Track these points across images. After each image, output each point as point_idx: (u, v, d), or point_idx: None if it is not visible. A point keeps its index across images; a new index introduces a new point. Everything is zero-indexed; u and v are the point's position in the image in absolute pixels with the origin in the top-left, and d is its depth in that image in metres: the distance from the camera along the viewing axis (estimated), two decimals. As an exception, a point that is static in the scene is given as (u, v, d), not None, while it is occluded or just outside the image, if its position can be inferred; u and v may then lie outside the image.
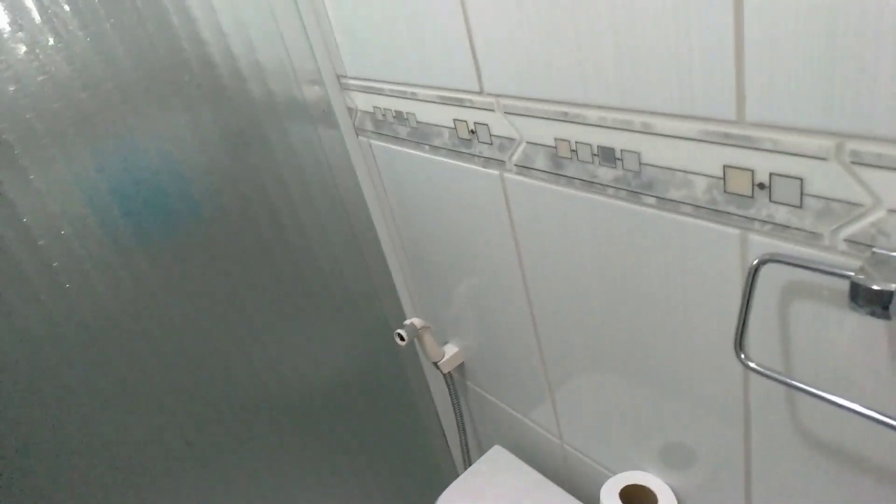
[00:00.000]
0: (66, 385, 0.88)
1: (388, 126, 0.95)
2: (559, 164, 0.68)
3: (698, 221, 0.57)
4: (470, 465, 1.19)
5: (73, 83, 0.81)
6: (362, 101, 0.98)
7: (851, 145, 0.43)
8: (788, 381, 0.52)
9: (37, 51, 0.78)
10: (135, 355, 0.93)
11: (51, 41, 0.78)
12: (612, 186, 0.63)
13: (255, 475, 1.11)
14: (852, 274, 0.44)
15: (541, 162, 0.70)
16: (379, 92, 0.92)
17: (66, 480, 0.91)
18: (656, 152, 0.57)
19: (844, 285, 0.48)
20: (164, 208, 0.91)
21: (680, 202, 0.58)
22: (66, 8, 0.79)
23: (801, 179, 0.47)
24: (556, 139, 0.67)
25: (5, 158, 0.78)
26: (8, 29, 0.76)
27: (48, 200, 0.82)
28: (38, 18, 0.77)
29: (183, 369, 0.98)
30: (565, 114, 0.64)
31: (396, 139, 0.95)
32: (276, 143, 0.99)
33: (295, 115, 1.00)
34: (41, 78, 0.78)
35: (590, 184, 0.66)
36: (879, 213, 0.44)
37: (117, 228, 0.88)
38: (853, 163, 0.44)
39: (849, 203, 0.45)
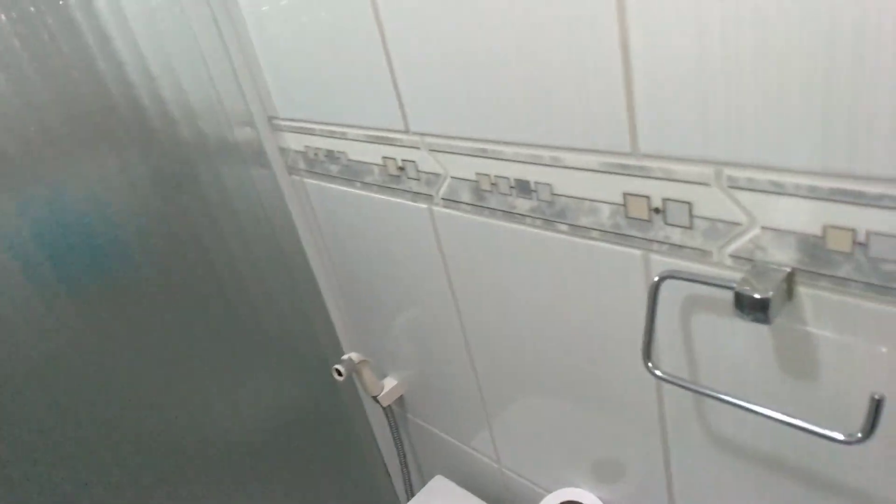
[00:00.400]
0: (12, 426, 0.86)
1: (319, 164, 0.98)
2: (481, 196, 0.73)
3: (605, 245, 0.63)
4: (413, 496, 1.21)
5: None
6: (294, 142, 1.01)
7: (728, 171, 0.49)
8: (693, 386, 0.57)
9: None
10: (63, 401, 0.91)
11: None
12: (530, 216, 0.68)
13: (194, 520, 1.09)
14: (735, 286, 0.49)
15: (465, 195, 0.75)
16: (310, 132, 0.95)
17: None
18: (566, 183, 0.62)
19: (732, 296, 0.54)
20: (93, 252, 0.91)
21: (589, 228, 0.63)
22: (-9, 54, 0.79)
23: (690, 203, 0.53)
24: (477, 174, 0.71)
25: None
26: None
27: None
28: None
29: (115, 414, 0.97)
30: (484, 150, 0.69)
31: (329, 177, 0.98)
32: (209, 185, 1.01)
33: (227, 157, 1.02)
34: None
35: (510, 214, 0.71)
36: (755, 231, 0.50)
37: (43, 273, 0.87)
38: (730, 187, 0.50)
39: (730, 222, 0.51)
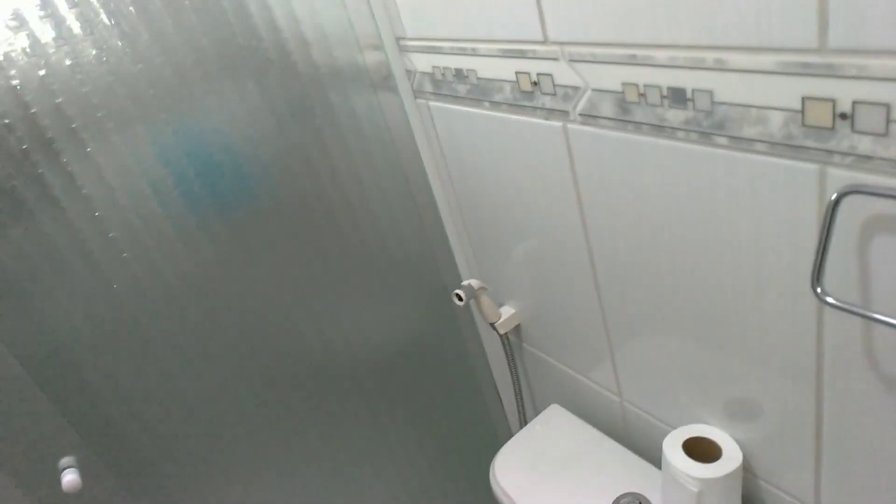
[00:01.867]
0: (148, 339, 0.93)
1: (446, 85, 0.96)
2: (626, 109, 0.68)
3: (773, 159, 0.57)
4: (526, 423, 1.21)
5: (138, 63, 0.84)
6: (421, 62, 0.99)
7: (943, 65, 0.42)
8: (869, 313, 0.51)
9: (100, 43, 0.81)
10: (207, 317, 0.97)
11: (109, 23, 0.81)
12: (683, 129, 0.63)
13: (318, 434, 1.15)
14: (941, 199, 0.43)
15: (606, 109, 0.70)
16: (438, 51, 0.93)
17: (146, 424, 0.97)
18: (730, 89, 0.56)
19: (931, 214, 0.47)
20: (232, 178, 0.94)
21: (754, 140, 0.57)
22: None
23: (888, 105, 0.46)
24: (623, 84, 0.66)
25: (82, 147, 0.82)
26: (81, 32, 0.79)
27: (130, 183, 0.86)
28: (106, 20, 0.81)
29: (249, 331, 1.02)
30: (633, 56, 0.63)
31: (455, 98, 0.96)
32: (338, 109, 1.01)
33: (356, 81, 1.02)
34: (102, 63, 0.82)
35: (659, 128, 0.66)
36: (972, 136, 0.43)
37: (181, 200, 0.91)
38: (944, 83, 0.43)
39: (938, 127, 0.45)
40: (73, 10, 0.78)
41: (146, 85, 0.85)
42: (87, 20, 0.79)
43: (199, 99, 0.89)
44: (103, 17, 0.81)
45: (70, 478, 0.89)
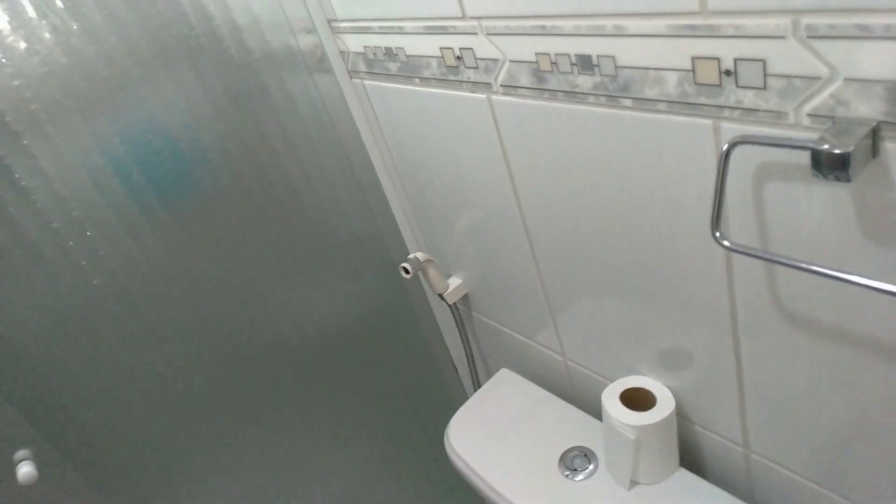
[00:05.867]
0: (98, 327, 0.94)
1: (378, 64, 0.97)
2: (541, 78, 0.71)
3: (673, 117, 0.60)
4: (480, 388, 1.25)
5: (69, 55, 0.84)
6: (353, 43, 1.00)
7: (807, 20, 0.46)
8: (766, 255, 0.55)
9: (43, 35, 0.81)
10: (157, 303, 0.98)
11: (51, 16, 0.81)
12: (592, 94, 0.66)
13: (276, 412, 1.17)
14: (812, 144, 0.47)
15: (524, 79, 0.73)
16: (368, 31, 0.94)
17: (101, 412, 0.98)
18: (630, 54, 0.60)
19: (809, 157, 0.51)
20: (173, 165, 0.95)
21: (655, 100, 0.61)
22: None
23: (764, 61, 0.50)
24: (536, 54, 0.69)
25: (13, 142, 0.82)
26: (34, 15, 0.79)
27: (68, 173, 0.86)
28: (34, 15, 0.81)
29: (201, 316, 1.03)
30: (543, 27, 0.66)
31: (388, 76, 0.97)
32: (275, 93, 1.02)
33: (291, 64, 1.03)
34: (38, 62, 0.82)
35: (571, 94, 0.69)
36: (837, 84, 0.47)
37: (123, 186, 0.91)
38: (809, 37, 0.47)
39: (808, 78, 0.49)
40: (1, 5, 0.78)
41: (79, 77, 0.85)
42: (14, 13, 0.79)
43: (135, 88, 0.89)
44: (30, 10, 0.80)
45: (25, 470, 0.89)
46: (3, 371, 0.88)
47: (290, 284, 1.12)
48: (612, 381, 1.00)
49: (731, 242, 0.57)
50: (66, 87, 0.84)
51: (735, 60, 0.52)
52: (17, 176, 0.83)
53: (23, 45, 0.80)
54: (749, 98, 0.53)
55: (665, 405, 0.87)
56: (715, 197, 0.57)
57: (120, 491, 1.03)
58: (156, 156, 0.93)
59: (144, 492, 1.06)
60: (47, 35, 0.82)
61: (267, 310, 1.11)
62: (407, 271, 1.16)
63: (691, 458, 0.94)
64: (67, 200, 0.87)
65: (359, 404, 1.28)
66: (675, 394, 0.89)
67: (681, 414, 0.90)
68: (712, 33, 0.52)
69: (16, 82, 0.81)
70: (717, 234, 0.57)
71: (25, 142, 0.83)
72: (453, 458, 1.07)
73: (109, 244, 0.92)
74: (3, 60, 0.79)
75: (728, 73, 0.53)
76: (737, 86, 0.53)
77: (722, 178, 0.56)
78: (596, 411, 1.09)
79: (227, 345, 1.07)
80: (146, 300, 0.97)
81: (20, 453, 0.93)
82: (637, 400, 0.91)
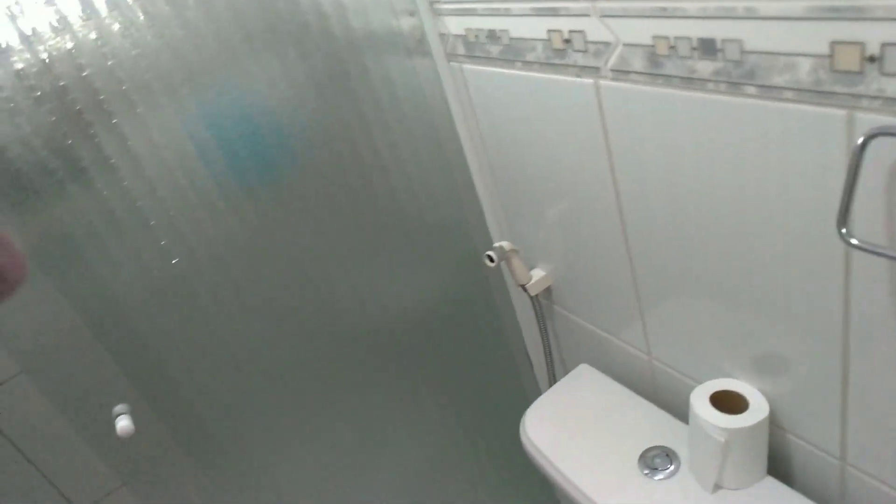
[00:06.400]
0: (195, 295, 0.98)
1: (479, 47, 0.97)
2: (657, 63, 0.69)
3: (802, 107, 0.58)
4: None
5: (183, 28, 0.87)
6: (454, 25, 1.00)
7: (971, 3, 0.43)
8: (891, 253, 0.52)
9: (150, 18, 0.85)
10: (249, 276, 1.02)
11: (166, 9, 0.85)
12: (712, 80, 0.64)
13: (353, 392, 1.19)
14: (966, 136, 0.44)
15: (638, 63, 0.72)
16: (472, 13, 0.94)
17: (193, 375, 1.02)
18: (759, 37, 0.57)
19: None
20: (271, 141, 0.98)
21: (783, 88, 0.58)
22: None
23: (915, 46, 0.47)
24: (654, 37, 0.68)
25: (130, 110, 0.86)
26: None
27: (156, 153, 0.90)
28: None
29: (289, 291, 1.06)
30: (664, 9, 0.65)
31: (488, 59, 0.97)
32: (373, 74, 1.04)
33: (391, 46, 1.04)
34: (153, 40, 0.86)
35: (689, 80, 0.67)
36: None
37: (223, 166, 0.95)
38: (972, 21, 0.44)
39: (965, 66, 0.45)
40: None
41: (191, 49, 0.88)
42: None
43: (241, 63, 0.92)
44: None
45: (123, 423, 0.94)
46: (109, 329, 0.94)
47: (374, 267, 1.14)
48: (699, 382, 0.97)
49: (858, 240, 0.54)
50: (177, 58, 0.88)
51: (882, 45, 0.49)
52: (129, 143, 0.88)
53: (117, 26, 0.84)
54: (894, 86, 0.50)
55: (758, 410, 0.83)
56: (845, 191, 0.54)
57: (206, 452, 1.08)
58: (256, 131, 0.96)
59: (227, 456, 1.10)
60: (165, 7, 0.85)
61: (350, 291, 1.13)
62: (492, 259, 1.16)
63: (780, 467, 0.90)
64: (173, 171, 0.91)
65: (433, 389, 1.29)
66: (768, 399, 0.85)
67: (773, 420, 0.87)
68: (859, 15, 0.49)
69: (109, 62, 0.84)
70: (844, 230, 0.55)
71: (115, 121, 0.86)
72: (528, 447, 1.06)
73: (209, 216, 0.96)
74: (99, 41, 0.83)
75: (872, 59, 0.50)
76: (881, 73, 0.50)
77: (855, 171, 0.53)
78: (679, 412, 1.06)
79: (312, 321, 1.10)
80: (238, 272, 1.01)
81: (118, 407, 0.98)
82: (726, 403, 0.88)
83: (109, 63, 0.83)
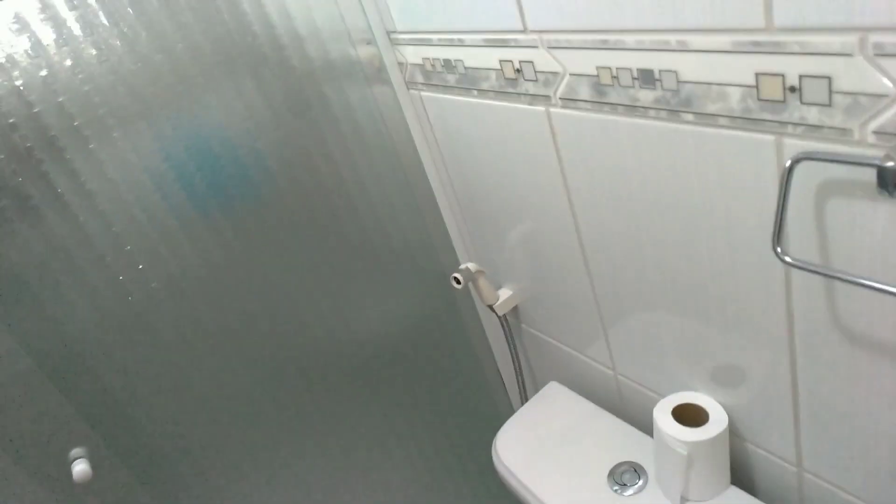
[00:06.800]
0: (155, 331, 0.98)
1: (436, 76, 1.00)
2: (602, 91, 0.72)
3: (735, 132, 0.61)
4: (527, 401, 1.25)
5: (137, 62, 0.88)
6: (411, 54, 1.03)
7: (874, 38, 0.46)
8: (827, 271, 0.55)
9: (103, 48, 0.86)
10: (213, 308, 1.02)
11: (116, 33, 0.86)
12: (653, 108, 0.67)
13: (324, 420, 1.19)
14: (878, 162, 0.47)
15: (584, 92, 0.74)
16: (427, 43, 0.97)
17: (155, 414, 1.01)
18: (693, 69, 0.60)
19: (875, 176, 0.51)
20: (232, 172, 0.98)
21: (717, 115, 0.61)
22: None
23: (829, 78, 0.50)
24: (597, 67, 0.70)
25: (83, 145, 0.87)
26: (81, 33, 0.84)
27: (131, 177, 0.90)
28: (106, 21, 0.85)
29: (255, 321, 1.06)
30: (605, 41, 0.67)
31: (445, 87, 1.00)
32: (333, 102, 1.06)
33: (349, 75, 1.06)
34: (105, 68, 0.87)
35: (632, 108, 0.70)
36: (904, 102, 0.47)
37: (181, 194, 0.95)
38: (876, 55, 0.47)
39: (875, 95, 0.48)
40: (73, 13, 0.83)
41: (146, 83, 0.89)
42: (86, 22, 0.83)
43: (198, 95, 0.93)
44: (102, 18, 0.84)
45: (80, 468, 0.91)
46: (61, 370, 0.92)
47: (341, 291, 1.15)
48: (664, 396, 0.99)
49: (792, 258, 0.57)
50: (133, 93, 0.88)
51: (800, 77, 0.52)
52: (83, 179, 0.87)
53: (93, 51, 0.84)
54: (813, 114, 0.53)
55: (718, 422, 0.86)
56: (777, 212, 0.57)
57: (171, 492, 1.06)
58: (216, 162, 0.97)
59: (195, 494, 1.09)
60: (118, 43, 0.86)
61: (318, 316, 1.13)
62: (458, 281, 1.17)
63: (743, 476, 0.92)
64: (131, 205, 0.91)
65: (404, 414, 1.30)
66: (727, 410, 0.88)
67: (733, 431, 0.89)
68: (777, 50, 0.52)
69: (86, 88, 0.85)
70: (779, 249, 0.57)
71: (92, 146, 0.87)
72: (501, 469, 1.08)
73: (168, 249, 0.96)
74: (76, 66, 0.84)
75: (793, 89, 0.53)
76: (801, 102, 0.53)
77: (784, 194, 0.56)
78: (646, 427, 1.08)
79: (279, 351, 1.10)
80: (201, 304, 1.01)
81: (75, 451, 0.95)
82: (689, 416, 0.90)
83: (60, 99, 0.84)
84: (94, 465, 0.96)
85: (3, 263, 0.85)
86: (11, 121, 0.81)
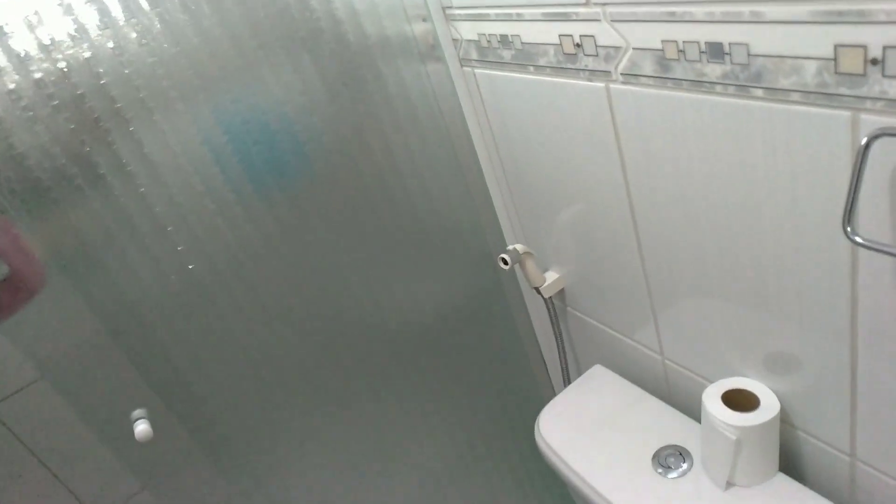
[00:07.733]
0: (212, 300, 1.00)
1: (492, 52, 0.99)
2: (666, 66, 0.71)
3: (807, 108, 0.59)
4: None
5: (198, 35, 0.89)
6: (467, 30, 1.02)
7: (969, 6, 0.44)
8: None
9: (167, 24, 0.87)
10: (266, 280, 1.04)
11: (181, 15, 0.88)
12: (720, 83, 0.66)
13: (370, 394, 1.21)
14: (967, 136, 0.45)
15: (647, 67, 0.73)
16: (484, 18, 0.96)
17: (212, 380, 1.04)
18: (765, 41, 0.59)
19: (959, 153, 0.49)
20: (287, 147, 1.00)
21: (789, 90, 0.59)
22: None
23: (917, 49, 0.49)
24: (662, 41, 0.69)
25: (147, 117, 0.89)
26: (148, 7, 0.85)
27: (172, 160, 0.92)
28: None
29: (306, 294, 1.08)
30: (672, 14, 0.66)
31: (500, 64, 0.99)
32: (387, 79, 1.06)
33: (404, 51, 1.06)
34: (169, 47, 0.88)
35: (697, 83, 0.68)
36: None
37: (235, 172, 0.97)
38: (971, 24, 0.45)
39: (965, 67, 0.47)
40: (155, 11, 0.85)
41: (207, 56, 0.91)
42: (128, 4, 0.84)
43: (256, 69, 0.95)
44: (143, 2, 0.85)
45: (142, 428, 0.95)
46: (128, 334, 0.95)
47: (389, 271, 1.16)
48: (711, 381, 0.98)
49: (863, 238, 0.55)
50: (194, 66, 0.90)
51: (884, 48, 0.50)
52: (124, 160, 0.89)
53: (134, 35, 0.85)
54: (895, 89, 0.51)
55: (769, 407, 0.84)
56: (849, 191, 0.55)
57: (224, 455, 1.09)
58: (272, 137, 0.98)
59: (245, 459, 1.12)
60: (182, 16, 0.88)
61: (366, 296, 1.14)
62: (505, 262, 1.17)
63: (791, 464, 0.91)
64: (190, 176, 0.93)
65: (447, 393, 1.30)
66: (780, 397, 0.86)
67: (784, 418, 0.87)
68: (861, 19, 0.50)
69: (127, 70, 0.86)
70: (849, 228, 0.56)
71: (132, 128, 0.88)
72: (543, 448, 1.08)
73: (225, 221, 0.97)
74: (116, 50, 0.85)
75: (875, 61, 0.51)
76: (883, 75, 0.51)
77: (859, 172, 0.54)
78: (691, 412, 1.07)
79: (329, 324, 1.12)
80: (256, 277, 1.02)
81: (137, 412, 0.99)
82: (738, 401, 0.89)
83: (126, 71, 0.86)
84: (155, 426, 1.00)
85: (72, 230, 0.88)
86: (81, 92, 0.84)
